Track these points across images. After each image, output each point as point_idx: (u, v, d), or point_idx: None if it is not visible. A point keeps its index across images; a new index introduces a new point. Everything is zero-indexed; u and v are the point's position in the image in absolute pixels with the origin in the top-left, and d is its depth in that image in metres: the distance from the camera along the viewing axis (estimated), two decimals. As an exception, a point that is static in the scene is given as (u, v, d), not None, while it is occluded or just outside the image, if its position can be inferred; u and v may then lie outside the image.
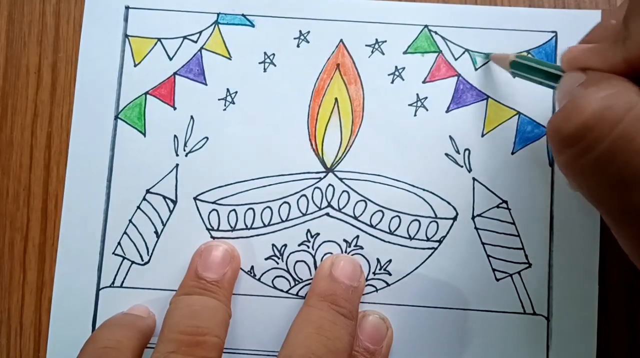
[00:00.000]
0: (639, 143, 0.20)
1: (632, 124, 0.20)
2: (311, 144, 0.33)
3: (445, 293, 0.32)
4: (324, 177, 0.33)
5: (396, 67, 0.33)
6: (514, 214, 0.32)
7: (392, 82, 0.33)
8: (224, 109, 0.33)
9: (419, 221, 0.32)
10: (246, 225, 0.33)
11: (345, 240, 0.32)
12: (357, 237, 0.32)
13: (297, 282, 0.32)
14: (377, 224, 0.32)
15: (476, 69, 0.33)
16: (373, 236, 0.32)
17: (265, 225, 0.33)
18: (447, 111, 0.33)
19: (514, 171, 0.33)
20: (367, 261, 0.32)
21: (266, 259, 0.33)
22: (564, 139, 0.22)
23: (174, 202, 0.33)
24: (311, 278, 0.32)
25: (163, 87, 0.34)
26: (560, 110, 0.22)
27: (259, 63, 0.34)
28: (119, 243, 0.33)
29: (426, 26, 0.34)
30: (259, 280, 0.32)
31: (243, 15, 0.34)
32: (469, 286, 0.32)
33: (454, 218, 0.32)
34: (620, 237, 0.22)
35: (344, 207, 0.33)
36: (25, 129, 0.34)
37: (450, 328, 0.32)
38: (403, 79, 0.33)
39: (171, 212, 0.33)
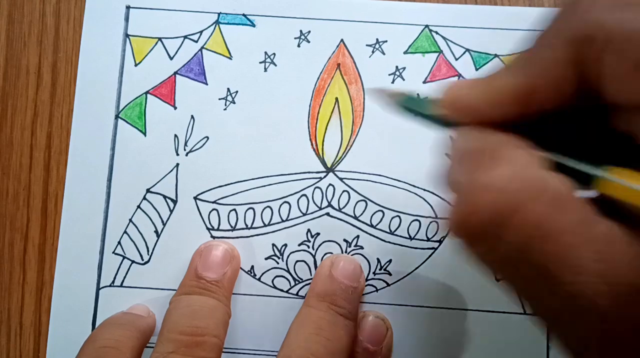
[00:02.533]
0: (550, 229, 0.17)
1: (539, 209, 0.17)
2: (311, 144, 0.33)
3: (445, 293, 0.32)
4: (324, 176, 0.33)
5: (397, 67, 0.33)
6: (515, 214, 0.32)
7: (393, 82, 0.33)
8: (225, 109, 0.33)
9: (419, 221, 0.32)
10: (246, 225, 0.33)
11: (345, 240, 0.32)
12: (357, 237, 0.32)
13: (297, 282, 0.32)
14: (377, 224, 0.32)
15: (477, 69, 0.33)
16: (373, 236, 0.32)
17: (265, 225, 0.33)
18: (447, 111, 0.33)
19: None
20: (367, 261, 0.32)
21: (266, 259, 0.32)
22: (468, 236, 0.18)
23: (174, 202, 0.33)
24: (311, 278, 0.32)
25: (163, 87, 0.34)
26: (457, 204, 0.18)
27: (260, 63, 0.34)
28: (119, 242, 0.33)
29: (427, 26, 0.34)
30: (259, 280, 0.32)
31: (244, 15, 0.34)
32: (469, 286, 0.32)
33: (455, 219, 0.32)
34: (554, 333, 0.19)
35: (344, 206, 0.33)
36: (25, 129, 0.34)
37: (450, 328, 0.32)
38: (404, 79, 0.33)
39: (171, 211, 0.33)
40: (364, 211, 0.32)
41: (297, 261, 0.32)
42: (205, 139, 0.33)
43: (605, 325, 0.17)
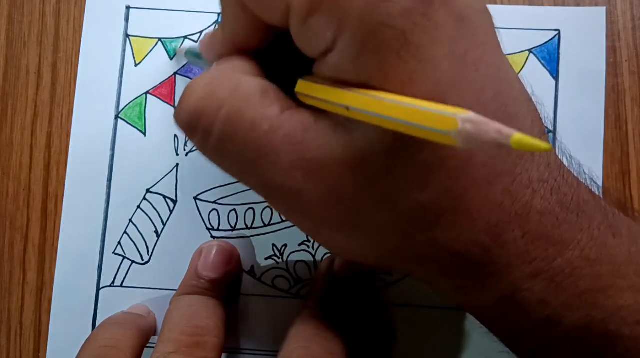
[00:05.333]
0: (247, 120, 0.20)
1: (235, 103, 0.21)
2: (312, 144, 0.33)
3: (445, 294, 0.32)
4: (325, 176, 0.33)
5: (397, 66, 0.33)
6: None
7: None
8: (225, 109, 0.33)
9: (419, 221, 0.32)
10: (246, 225, 0.33)
11: (345, 240, 0.32)
12: (358, 236, 0.32)
13: (297, 282, 0.32)
14: (377, 224, 0.32)
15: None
16: (373, 236, 0.32)
17: (265, 225, 0.33)
18: (448, 110, 0.33)
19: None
20: (368, 261, 0.32)
21: (266, 259, 0.32)
22: (184, 129, 0.22)
23: (174, 202, 0.33)
24: (311, 278, 0.32)
25: (164, 87, 0.34)
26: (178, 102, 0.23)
27: (260, 62, 0.34)
28: (119, 242, 0.33)
29: (427, 25, 0.33)
30: (259, 280, 0.32)
31: (243, 14, 0.34)
32: (469, 286, 0.32)
33: (455, 218, 0.32)
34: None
35: (344, 206, 0.32)
36: (25, 129, 0.34)
37: (450, 328, 0.32)
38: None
39: (171, 211, 0.33)
40: (364, 211, 0.32)
41: (297, 261, 0.32)
42: (206, 138, 0.33)
43: (301, 197, 0.20)
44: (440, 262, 0.21)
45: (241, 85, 0.21)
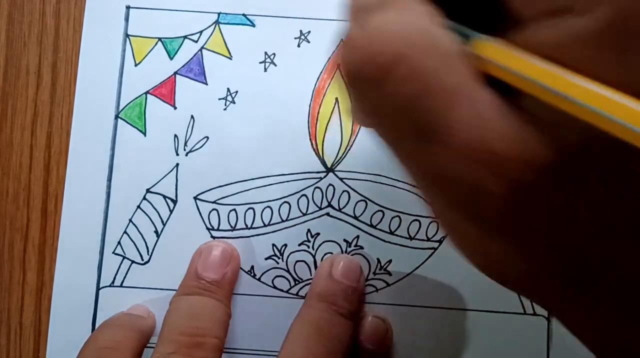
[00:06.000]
0: (446, 86, 0.16)
1: (435, 64, 0.16)
2: (311, 144, 0.33)
3: (445, 293, 0.32)
4: (325, 176, 0.33)
5: (397, 66, 0.33)
6: (515, 214, 0.32)
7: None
8: (225, 109, 0.33)
9: (419, 221, 0.32)
10: (246, 225, 0.33)
11: (345, 240, 0.32)
12: (357, 237, 0.32)
13: (297, 282, 0.32)
14: (377, 224, 0.32)
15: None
16: (373, 236, 0.32)
17: (265, 225, 0.33)
18: (447, 111, 0.33)
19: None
20: (367, 261, 0.32)
21: (266, 259, 0.32)
22: (367, 71, 0.17)
23: (174, 202, 0.33)
24: (311, 278, 0.32)
25: (163, 87, 0.34)
26: (350, 46, 0.17)
27: (260, 63, 0.34)
28: (119, 242, 0.33)
29: (427, 25, 0.33)
30: (259, 280, 0.32)
31: (244, 15, 0.34)
32: (469, 286, 0.32)
33: (455, 219, 0.32)
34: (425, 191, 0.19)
35: (344, 206, 0.33)
36: (25, 129, 0.34)
37: (450, 328, 0.32)
38: (404, 79, 0.33)
39: (171, 211, 0.33)
40: (364, 211, 0.32)
41: (297, 261, 0.32)
42: (205, 139, 0.33)
43: (477, 192, 0.16)
44: None
45: (433, 40, 0.16)
